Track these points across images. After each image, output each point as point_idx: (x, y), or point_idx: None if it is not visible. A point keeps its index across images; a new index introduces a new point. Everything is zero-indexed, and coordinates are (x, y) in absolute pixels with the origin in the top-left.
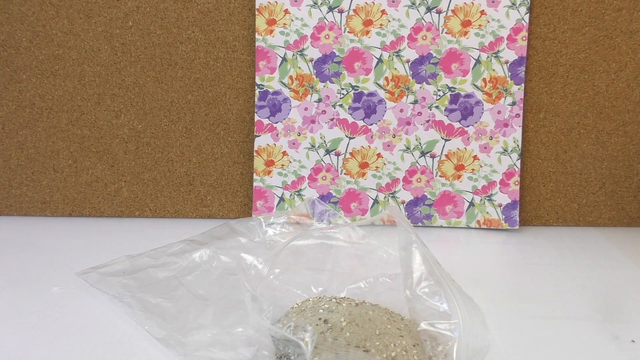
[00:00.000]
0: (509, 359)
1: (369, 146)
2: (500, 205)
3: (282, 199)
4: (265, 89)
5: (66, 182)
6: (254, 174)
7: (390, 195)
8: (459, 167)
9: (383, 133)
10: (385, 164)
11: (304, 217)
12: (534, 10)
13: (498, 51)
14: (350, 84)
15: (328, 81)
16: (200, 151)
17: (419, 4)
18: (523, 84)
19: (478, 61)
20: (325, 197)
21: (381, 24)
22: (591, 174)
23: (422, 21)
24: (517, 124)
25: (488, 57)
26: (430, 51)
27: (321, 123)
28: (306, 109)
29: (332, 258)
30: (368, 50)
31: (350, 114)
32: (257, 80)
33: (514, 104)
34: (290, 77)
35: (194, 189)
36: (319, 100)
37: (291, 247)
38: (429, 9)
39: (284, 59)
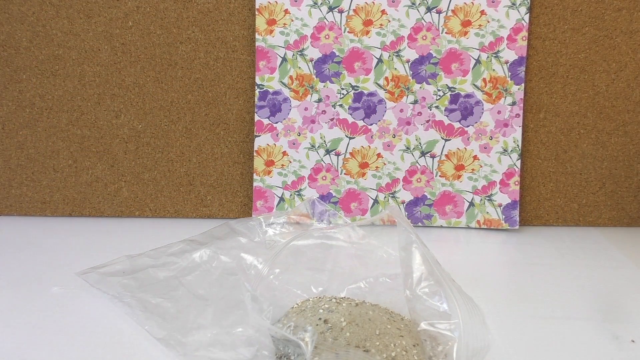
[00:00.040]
0: (509, 359)
1: (369, 146)
2: (500, 205)
3: (282, 199)
4: (265, 89)
5: (66, 182)
6: (254, 174)
7: (390, 195)
8: (459, 167)
9: (383, 133)
10: (385, 164)
11: (304, 217)
12: (534, 10)
13: (498, 51)
14: (350, 84)
15: (328, 81)
16: (200, 151)
17: (419, 4)
18: (523, 84)
19: (478, 61)
20: (325, 197)
21: (381, 24)
22: (591, 174)
23: (422, 21)
24: (517, 124)
25: (488, 57)
26: (430, 51)
27: (321, 123)
28: (306, 109)
29: (332, 258)
30: (368, 50)
31: (350, 114)
32: (257, 80)
33: (514, 104)
34: (290, 77)
35: (194, 189)
36: (319, 100)
37: (291, 247)
38: (429, 9)
39: (284, 59)
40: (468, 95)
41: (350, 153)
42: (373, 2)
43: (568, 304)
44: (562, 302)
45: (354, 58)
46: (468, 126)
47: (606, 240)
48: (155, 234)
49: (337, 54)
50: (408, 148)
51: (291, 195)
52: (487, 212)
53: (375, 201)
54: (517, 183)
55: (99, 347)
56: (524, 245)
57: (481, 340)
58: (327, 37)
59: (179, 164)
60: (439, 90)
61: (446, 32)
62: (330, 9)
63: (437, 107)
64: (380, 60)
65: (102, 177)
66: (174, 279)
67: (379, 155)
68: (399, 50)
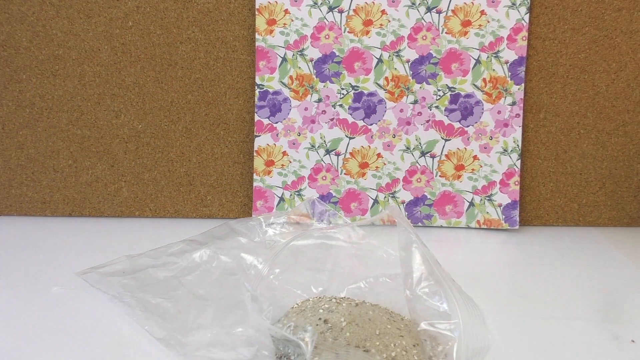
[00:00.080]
0: (509, 359)
1: (369, 146)
2: (500, 205)
3: (282, 199)
4: (265, 89)
5: (66, 182)
6: (254, 174)
7: (390, 195)
8: (459, 167)
9: (383, 133)
10: (385, 164)
11: (304, 217)
12: (534, 10)
13: (498, 51)
14: (350, 84)
15: (328, 81)
16: (200, 151)
17: (419, 4)
18: (523, 84)
19: (478, 61)
20: (325, 197)
21: (381, 24)
22: (591, 174)
23: (422, 21)
24: (517, 124)
25: (488, 57)
26: (430, 51)
27: (321, 123)
28: (306, 109)
29: (332, 258)
30: (368, 50)
31: (350, 114)
32: (257, 80)
33: (514, 104)
34: (290, 77)
35: (194, 189)
36: (319, 100)
37: (291, 247)
38: (429, 9)
39: (284, 59)
40: (468, 95)
41: (350, 153)
42: (373, 2)
43: (568, 304)
44: (562, 302)
45: (354, 58)
46: (468, 126)
47: (606, 240)
48: (155, 234)
49: (337, 54)
50: (408, 148)
51: (291, 195)
52: (487, 212)
53: (375, 201)
54: (517, 183)
55: (99, 347)
56: (524, 245)
57: (481, 340)
58: (327, 37)
59: (179, 164)
60: (439, 90)
61: (446, 32)
62: (330, 9)
63: (437, 107)
64: (380, 60)
65: (102, 177)
66: (174, 279)
67: (379, 155)
68: (399, 50)
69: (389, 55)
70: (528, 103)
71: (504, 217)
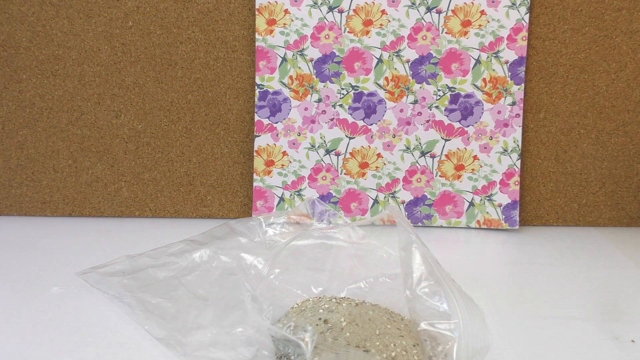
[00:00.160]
0: (509, 359)
1: (369, 146)
2: (500, 205)
3: (282, 199)
4: (265, 89)
5: (66, 182)
6: (254, 174)
7: (390, 195)
8: (459, 167)
9: (383, 133)
10: (385, 164)
11: (304, 217)
12: (534, 10)
13: (498, 51)
14: (350, 84)
15: (328, 81)
16: (200, 151)
17: (419, 4)
18: (523, 84)
19: (478, 61)
20: (325, 197)
21: (381, 24)
22: (591, 174)
23: (422, 21)
24: (517, 124)
25: (488, 57)
26: (430, 51)
27: (321, 123)
28: (306, 109)
29: (332, 258)
30: (368, 50)
31: (350, 114)
32: (257, 80)
33: (514, 104)
34: (290, 77)
35: (194, 189)
36: (319, 100)
37: (291, 247)
38: (429, 9)
39: (284, 59)
40: (468, 95)
41: (350, 153)
42: (373, 2)
43: (568, 304)
44: (562, 302)
45: (354, 58)
46: (468, 126)
47: (606, 240)
48: (155, 234)
49: (337, 54)
50: (408, 148)
51: (291, 195)
52: (487, 212)
53: (375, 201)
54: (517, 183)
55: (99, 347)
56: (524, 245)
57: (481, 340)
58: (327, 37)
59: (179, 164)
60: (439, 90)
61: (446, 32)
62: (330, 9)
63: (437, 107)
64: (380, 60)
65: (102, 177)
66: (174, 279)
67: (379, 155)
68: (399, 50)
69: (389, 55)
70: (528, 103)
71: (504, 217)
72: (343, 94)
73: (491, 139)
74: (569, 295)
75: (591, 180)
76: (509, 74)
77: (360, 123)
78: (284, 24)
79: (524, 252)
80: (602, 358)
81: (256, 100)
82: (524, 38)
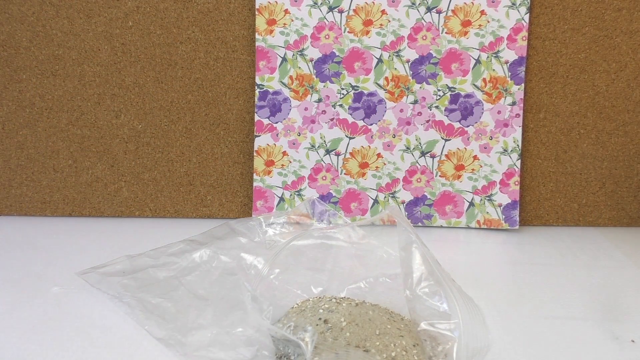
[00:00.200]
0: (509, 359)
1: (369, 146)
2: (500, 205)
3: (282, 199)
4: (265, 89)
5: (66, 182)
6: (254, 174)
7: (390, 195)
8: (459, 167)
9: (383, 133)
10: (385, 164)
11: (304, 217)
12: (534, 10)
13: (498, 51)
14: (350, 84)
15: (328, 81)
16: (200, 151)
17: (419, 4)
18: (523, 84)
19: (478, 61)
20: (325, 197)
21: (381, 24)
22: (591, 174)
23: (422, 21)
24: (517, 124)
25: (488, 57)
26: (430, 51)
27: (321, 123)
28: (306, 109)
29: (332, 258)
30: (368, 50)
31: (350, 114)
32: (257, 80)
33: (514, 104)
34: (290, 77)
35: (194, 189)
36: (319, 100)
37: (291, 247)
38: (429, 9)
39: (284, 59)
40: (468, 95)
41: (350, 153)
42: (373, 2)
43: (568, 304)
44: (562, 302)
45: (354, 58)
46: (468, 126)
47: (606, 240)
48: (155, 234)
49: (337, 54)
50: (408, 148)
51: (291, 195)
52: (487, 212)
53: (375, 201)
54: (517, 183)
55: (99, 347)
56: (524, 245)
57: (481, 340)
58: (327, 37)
59: (179, 164)
60: (439, 90)
61: (446, 32)
62: (330, 9)
63: (437, 107)
64: (380, 60)
65: (102, 177)
66: (174, 279)
67: (379, 155)
68: (399, 50)
69: (389, 55)
70: (528, 103)
71: (504, 217)
72: (343, 94)
73: (491, 139)
74: (569, 295)
75: (591, 180)
76: (509, 74)
77: (360, 123)
78: (284, 24)
79: (524, 252)
80: (602, 358)
81: (256, 100)
82: (524, 38)
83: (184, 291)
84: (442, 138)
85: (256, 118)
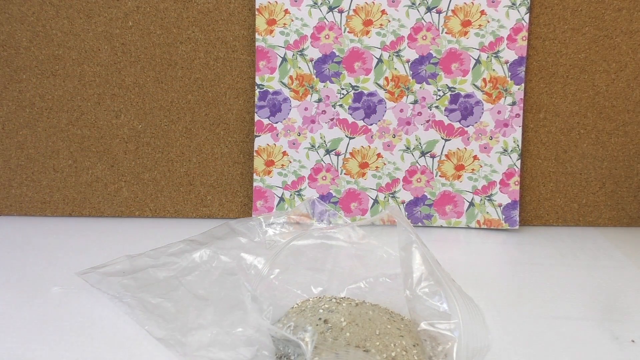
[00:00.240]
0: (509, 359)
1: (369, 146)
2: (500, 205)
3: (282, 199)
4: (265, 89)
5: (66, 182)
6: (254, 174)
7: (390, 195)
8: (459, 167)
9: (383, 133)
10: (385, 164)
11: (304, 217)
12: (534, 10)
13: (498, 51)
14: (350, 84)
15: (328, 81)
16: (200, 151)
17: (419, 4)
18: (523, 84)
19: (478, 61)
20: (325, 197)
21: (381, 24)
22: (591, 174)
23: (422, 21)
24: (517, 124)
25: (488, 57)
26: (430, 51)
27: (321, 123)
28: (306, 109)
29: (332, 258)
30: (368, 50)
31: (350, 114)
32: (257, 80)
33: (514, 104)
34: (290, 77)
35: (194, 189)
36: (319, 100)
37: (291, 247)
38: (429, 9)
39: (284, 59)
40: (468, 95)
41: (350, 153)
42: (373, 2)
43: (568, 304)
44: (562, 302)
45: (354, 58)
46: (468, 126)
47: (606, 240)
48: (155, 234)
49: (337, 54)
50: (408, 148)
51: (291, 195)
52: (487, 212)
53: (375, 201)
54: (517, 183)
55: (99, 347)
56: (524, 245)
57: (481, 340)
58: (327, 37)
59: (179, 164)
60: (439, 90)
61: (446, 32)
62: (330, 9)
63: (437, 107)
64: (380, 60)
65: (102, 177)
66: (174, 279)
67: (379, 155)
68: (399, 50)
69: (389, 55)
70: (528, 103)
71: (504, 217)
72: (343, 94)
73: (491, 139)
74: (569, 295)
75: (591, 180)
76: (509, 74)
77: (360, 123)
78: (284, 24)
79: (524, 252)
80: (602, 358)
81: (256, 100)
82: (524, 38)
83: (184, 291)
84: (442, 138)
85: (256, 118)
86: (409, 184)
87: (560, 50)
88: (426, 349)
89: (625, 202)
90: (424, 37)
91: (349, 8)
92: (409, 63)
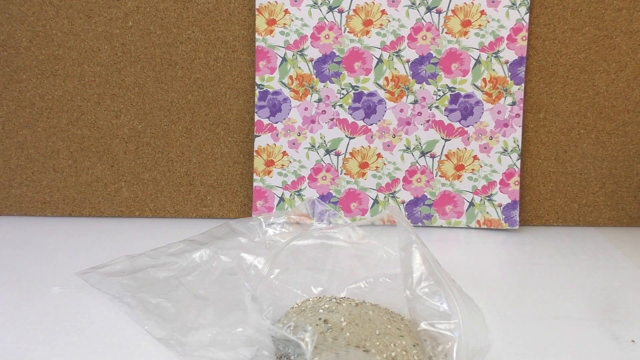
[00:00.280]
0: (509, 359)
1: (369, 146)
2: (500, 205)
3: (282, 199)
4: (265, 89)
5: (66, 182)
6: (254, 174)
7: (390, 195)
8: (459, 167)
9: (383, 133)
10: (385, 164)
11: (304, 217)
12: (534, 10)
13: (498, 51)
14: (350, 84)
15: (328, 81)
16: (200, 151)
17: (419, 4)
18: (523, 84)
19: (478, 61)
20: (325, 197)
21: (381, 24)
22: (591, 174)
23: (422, 21)
24: (517, 124)
25: (488, 57)
26: (430, 51)
27: (321, 123)
28: (306, 109)
29: (332, 258)
30: (368, 50)
31: (350, 114)
32: (257, 80)
33: (514, 104)
34: (290, 77)
35: (194, 189)
36: (319, 100)
37: (291, 247)
38: (429, 9)
39: (284, 59)
40: (468, 95)
41: (350, 153)
42: (373, 2)
43: (568, 304)
44: (562, 302)
45: (354, 58)
46: (468, 126)
47: (606, 240)
48: (155, 234)
49: (337, 54)
50: (408, 148)
51: (291, 195)
52: (487, 212)
53: (375, 201)
54: (517, 183)
55: (99, 347)
56: (524, 245)
57: (481, 340)
58: (327, 37)
59: (179, 164)
60: (439, 90)
61: (446, 32)
62: (330, 9)
63: (437, 107)
64: (380, 60)
65: (102, 177)
66: (174, 279)
67: (379, 155)
68: (399, 50)
69: (389, 55)
70: (528, 103)
71: (504, 217)
72: (343, 94)
73: (491, 139)
74: (569, 295)
75: (591, 180)
76: (509, 74)
77: (360, 123)
78: (284, 24)
79: (524, 252)
80: (602, 358)
81: (256, 100)
82: (524, 38)
83: (184, 291)
84: (442, 138)
85: (256, 118)
86: (409, 184)
87: (560, 50)
88: (426, 349)
89: (625, 202)
90: (424, 37)
91: (349, 8)
92: (409, 63)
